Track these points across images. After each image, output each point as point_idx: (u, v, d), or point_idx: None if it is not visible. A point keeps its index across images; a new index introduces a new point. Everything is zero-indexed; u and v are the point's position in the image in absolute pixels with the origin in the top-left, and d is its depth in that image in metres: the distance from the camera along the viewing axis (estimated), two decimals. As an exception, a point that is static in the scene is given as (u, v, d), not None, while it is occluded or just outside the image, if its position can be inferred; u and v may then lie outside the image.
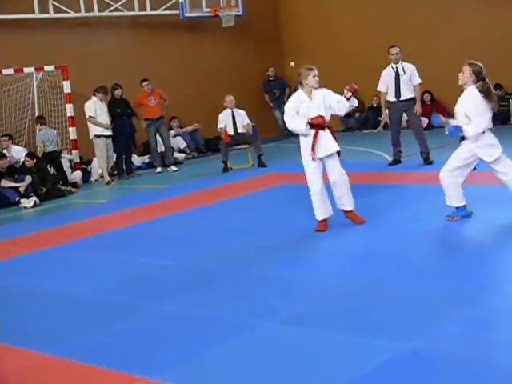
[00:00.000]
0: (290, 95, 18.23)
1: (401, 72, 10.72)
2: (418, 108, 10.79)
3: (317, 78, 7.02)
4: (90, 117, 12.72)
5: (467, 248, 6.17)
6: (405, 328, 4.44)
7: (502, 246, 6.12)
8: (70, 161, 13.53)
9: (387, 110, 11.32)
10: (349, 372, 3.94)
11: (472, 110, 6.52)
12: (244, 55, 17.33)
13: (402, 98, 10.74)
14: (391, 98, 10.88)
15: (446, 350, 4.04)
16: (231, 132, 12.85)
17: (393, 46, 10.81)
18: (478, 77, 6.56)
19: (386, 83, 10.94)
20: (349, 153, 13.51)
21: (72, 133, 13.47)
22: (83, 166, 13.66)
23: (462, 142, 6.69)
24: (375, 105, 17.03)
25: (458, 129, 6.58)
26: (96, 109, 12.71)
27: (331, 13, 17.35)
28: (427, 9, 15.94)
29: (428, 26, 15.90)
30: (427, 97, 15.92)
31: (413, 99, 10.76)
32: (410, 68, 10.79)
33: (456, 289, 5.06)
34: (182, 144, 15.52)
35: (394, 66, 10.78)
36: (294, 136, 7.76)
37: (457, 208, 6.83)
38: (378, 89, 11.18)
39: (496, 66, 14.86)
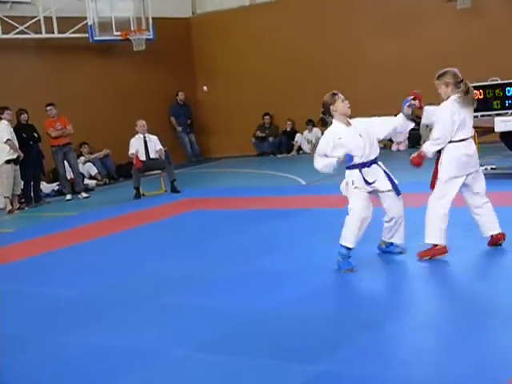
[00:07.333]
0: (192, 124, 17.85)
1: None
2: None
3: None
4: (8, 140, 12.26)
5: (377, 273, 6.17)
6: (315, 352, 4.34)
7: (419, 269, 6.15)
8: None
9: None
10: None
11: None
12: (156, 79, 17.15)
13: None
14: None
15: (355, 371, 3.97)
16: (143, 157, 12.60)
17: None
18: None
19: None
20: (263, 177, 13.55)
21: (-25, 158, 12.91)
22: (-12, 194, 13.12)
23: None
24: (289, 129, 17.19)
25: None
26: (11, 131, 12.31)
27: (241, 38, 17.42)
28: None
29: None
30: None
31: None
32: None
33: (363, 313, 5.01)
34: (93, 170, 15.17)
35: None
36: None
37: None
38: None
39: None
